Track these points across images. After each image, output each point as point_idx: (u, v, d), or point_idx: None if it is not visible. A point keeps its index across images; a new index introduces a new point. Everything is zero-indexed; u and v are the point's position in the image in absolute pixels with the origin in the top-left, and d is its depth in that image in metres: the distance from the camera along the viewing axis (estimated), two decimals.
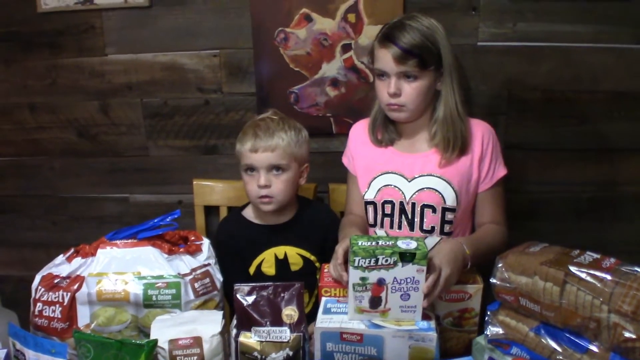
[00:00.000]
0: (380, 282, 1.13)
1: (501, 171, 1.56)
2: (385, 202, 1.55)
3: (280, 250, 1.62)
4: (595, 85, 1.84)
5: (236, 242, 1.57)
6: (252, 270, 1.62)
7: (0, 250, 2.30)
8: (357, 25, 1.81)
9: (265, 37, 1.86)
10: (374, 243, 1.14)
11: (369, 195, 1.58)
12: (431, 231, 1.53)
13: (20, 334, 1.25)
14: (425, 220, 1.52)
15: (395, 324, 1.15)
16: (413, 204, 1.52)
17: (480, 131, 1.54)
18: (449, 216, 1.51)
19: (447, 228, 1.53)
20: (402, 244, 1.13)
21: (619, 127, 1.87)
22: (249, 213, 1.70)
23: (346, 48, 1.84)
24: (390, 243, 1.14)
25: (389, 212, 1.56)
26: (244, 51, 1.90)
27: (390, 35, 1.44)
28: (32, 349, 1.22)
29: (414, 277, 1.12)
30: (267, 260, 1.61)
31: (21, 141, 2.13)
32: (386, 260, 1.11)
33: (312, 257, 1.63)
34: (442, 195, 1.50)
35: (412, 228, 1.54)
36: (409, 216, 1.53)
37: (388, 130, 1.59)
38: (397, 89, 1.46)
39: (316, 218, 1.68)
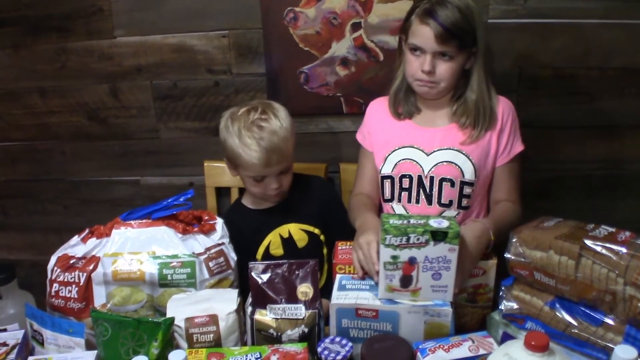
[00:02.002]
0: (412, 261, 1.13)
1: (518, 146, 1.55)
2: (403, 176, 1.55)
3: (284, 230, 1.63)
4: (606, 62, 1.82)
5: (240, 231, 1.57)
6: (260, 254, 1.63)
7: (13, 234, 2.33)
8: (367, 4, 1.80)
9: (275, 16, 1.85)
10: (405, 221, 1.14)
11: (386, 170, 1.58)
12: (449, 205, 1.53)
13: (37, 315, 1.27)
14: (443, 193, 1.52)
15: (410, 300, 1.15)
16: (431, 178, 1.52)
17: (501, 106, 1.54)
18: (467, 190, 1.51)
19: (464, 202, 1.53)
20: (434, 223, 1.12)
21: (630, 104, 1.86)
22: (248, 200, 1.71)
23: (356, 27, 1.83)
24: (422, 222, 1.13)
25: (407, 186, 1.55)
26: (253, 31, 1.89)
27: (432, 12, 1.40)
28: (49, 329, 1.24)
29: (445, 256, 1.12)
30: (273, 242, 1.62)
31: (31, 126, 2.14)
32: (418, 239, 1.11)
33: (316, 230, 1.64)
34: (461, 169, 1.50)
35: (429, 202, 1.54)
36: (427, 190, 1.53)
37: (408, 103, 1.59)
38: (432, 66, 1.44)
39: (311, 190, 1.69)
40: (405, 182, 1.55)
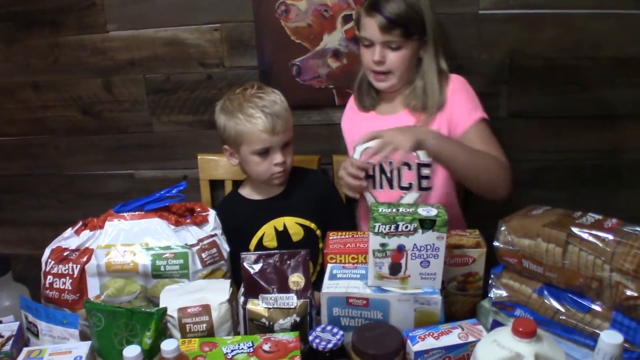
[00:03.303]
0: (400, 249, 1.14)
1: (478, 114, 1.53)
2: (368, 163, 1.56)
3: (279, 222, 1.62)
4: (597, 51, 1.82)
5: (234, 220, 1.58)
6: (253, 245, 1.62)
7: (9, 229, 2.33)
8: None
9: (266, 9, 1.85)
10: (394, 210, 1.15)
11: None
12: (409, 188, 1.58)
13: (32, 306, 1.27)
14: (402, 177, 1.58)
15: (399, 288, 1.16)
16: (390, 163, 1.56)
17: (450, 85, 1.56)
18: (425, 171, 1.55)
19: (424, 183, 1.57)
20: (423, 211, 1.13)
21: (621, 94, 1.86)
22: (245, 191, 1.71)
23: (347, 19, 1.83)
24: (411, 210, 1.14)
25: (372, 173, 1.61)
26: (245, 24, 1.90)
27: (376, 4, 1.47)
28: (44, 320, 1.25)
29: (434, 244, 1.13)
30: (267, 234, 1.62)
31: (26, 120, 2.14)
32: (406, 227, 1.12)
33: (312, 225, 1.64)
34: (416, 152, 1.51)
35: (391, 186, 1.60)
36: (388, 175, 1.59)
37: (370, 95, 1.66)
38: (381, 56, 1.51)
39: (309, 184, 1.69)
40: (370, 170, 1.60)
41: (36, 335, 1.26)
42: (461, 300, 1.29)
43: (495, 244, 1.15)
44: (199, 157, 2.00)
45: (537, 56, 1.84)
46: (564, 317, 1.06)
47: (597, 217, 1.07)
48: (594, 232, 1.01)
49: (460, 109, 1.54)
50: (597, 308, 1.03)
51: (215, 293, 1.22)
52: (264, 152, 1.55)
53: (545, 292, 1.09)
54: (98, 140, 2.13)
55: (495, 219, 1.20)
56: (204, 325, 1.19)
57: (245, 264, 1.24)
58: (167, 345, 1.04)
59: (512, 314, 1.15)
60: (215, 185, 2.03)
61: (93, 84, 2.05)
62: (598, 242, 1.00)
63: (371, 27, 1.49)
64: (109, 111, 2.08)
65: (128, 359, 1.02)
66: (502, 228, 1.14)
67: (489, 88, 1.85)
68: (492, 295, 1.18)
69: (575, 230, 1.03)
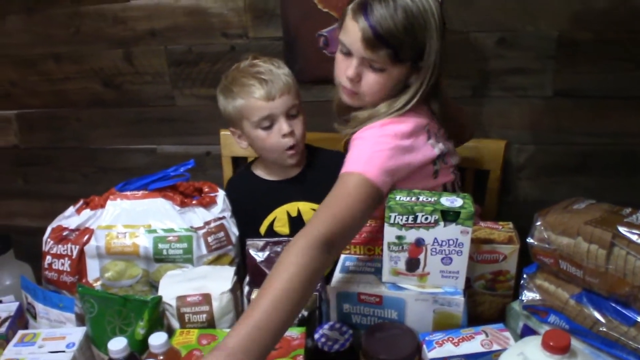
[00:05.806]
0: (419, 243, 1.02)
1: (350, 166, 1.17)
2: None
3: (292, 207, 1.49)
4: None
5: (245, 200, 1.46)
6: (263, 229, 1.49)
7: (34, 202, 2.32)
8: None
9: None
10: (413, 198, 1.02)
11: None
12: None
13: (31, 287, 1.23)
14: None
15: (417, 286, 1.05)
16: None
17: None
18: None
19: None
20: (446, 201, 1.00)
21: None
22: (258, 170, 1.57)
23: None
24: (433, 199, 1.02)
25: None
26: None
27: (367, 7, 1.12)
28: (41, 302, 1.21)
29: (457, 239, 1.00)
30: (279, 219, 1.48)
31: (47, 92, 2.10)
32: (426, 219, 0.99)
33: None
34: None
35: None
36: None
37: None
38: (357, 74, 1.19)
39: (329, 166, 1.51)
40: None
41: (34, 317, 1.22)
42: (489, 301, 1.15)
43: (529, 240, 1.02)
44: (221, 132, 1.90)
45: (588, 29, 1.67)
46: (604, 329, 0.92)
47: None
48: None
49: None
50: None
51: (218, 281, 1.14)
52: (267, 124, 1.40)
53: (585, 299, 0.95)
54: (120, 114, 2.07)
55: (531, 208, 1.06)
56: (204, 315, 1.11)
57: (250, 251, 1.15)
58: (155, 340, 0.96)
59: (545, 320, 1.01)
60: (238, 162, 1.93)
61: (114, 55, 1.97)
62: None
63: (353, 34, 1.14)
64: (130, 83, 2.01)
65: (112, 352, 0.94)
66: (538, 223, 1.00)
67: (534, 63, 1.69)
68: (523, 298, 1.04)
69: (622, 230, 0.88)
